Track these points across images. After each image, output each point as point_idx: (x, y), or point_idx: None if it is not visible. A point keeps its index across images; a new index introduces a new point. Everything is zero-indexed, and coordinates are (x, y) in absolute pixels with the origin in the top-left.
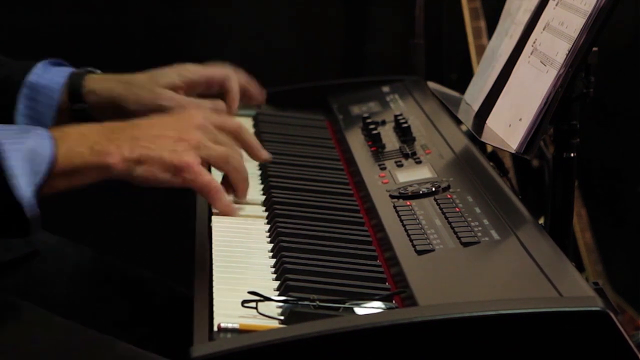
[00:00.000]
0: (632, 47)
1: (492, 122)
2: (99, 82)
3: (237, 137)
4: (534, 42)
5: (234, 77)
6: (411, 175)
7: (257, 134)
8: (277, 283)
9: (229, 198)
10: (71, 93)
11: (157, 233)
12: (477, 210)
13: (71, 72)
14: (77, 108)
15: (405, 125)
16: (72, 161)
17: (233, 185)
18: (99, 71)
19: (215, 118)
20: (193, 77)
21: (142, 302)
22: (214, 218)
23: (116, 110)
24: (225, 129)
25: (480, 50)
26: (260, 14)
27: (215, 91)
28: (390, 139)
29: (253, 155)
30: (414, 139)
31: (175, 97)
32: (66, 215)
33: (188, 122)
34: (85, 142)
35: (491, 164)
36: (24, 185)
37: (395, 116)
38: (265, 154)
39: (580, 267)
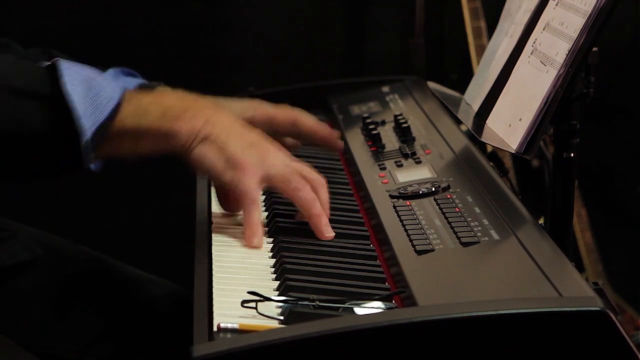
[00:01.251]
0: (632, 47)
1: (492, 122)
2: None
3: (314, 188)
4: (534, 42)
5: (305, 117)
6: (411, 175)
7: None
8: (276, 283)
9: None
10: None
11: (157, 233)
12: (477, 210)
13: (142, 82)
14: None
15: (405, 125)
16: (138, 120)
17: (306, 215)
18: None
19: (296, 164)
20: (254, 116)
21: (142, 302)
22: (214, 218)
23: None
24: (305, 178)
25: (480, 50)
26: (260, 14)
27: (280, 134)
28: (390, 139)
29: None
30: (413, 139)
31: None
32: (66, 215)
33: (269, 142)
34: (160, 104)
35: (491, 164)
36: (83, 108)
37: (395, 116)
38: (327, 231)
39: (580, 267)
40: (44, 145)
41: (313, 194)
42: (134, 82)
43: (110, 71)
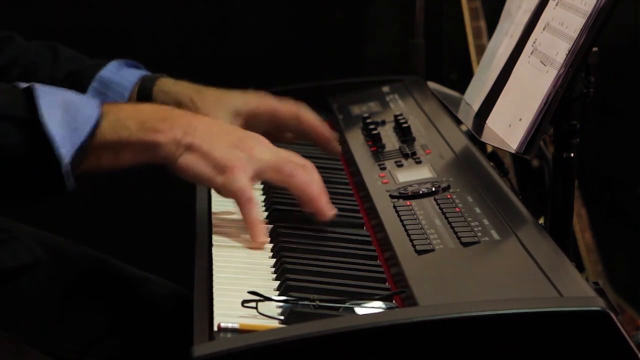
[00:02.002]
0: (632, 47)
1: (492, 122)
2: (171, 85)
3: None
4: (534, 42)
5: (308, 113)
6: (411, 175)
7: None
8: (277, 283)
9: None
10: (141, 93)
11: (157, 233)
12: (477, 210)
13: (145, 74)
14: None
15: (405, 125)
16: (118, 134)
17: (299, 201)
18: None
19: (282, 152)
20: (257, 107)
21: (143, 302)
22: (214, 218)
23: None
24: (295, 164)
25: (480, 50)
26: (260, 13)
27: (281, 128)
28: (390, 139)
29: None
30: (413, 139)
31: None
32: (66, 215)
33: (251, 137)
34: (137, 117)
35: (491, 164)
36: (61, 136)
37: (395, 116)
38: (329, 209)
39: (580, 267)
40: (22, 169)
41: (307, 176)
42: (137, 73)
43: (114, 63)
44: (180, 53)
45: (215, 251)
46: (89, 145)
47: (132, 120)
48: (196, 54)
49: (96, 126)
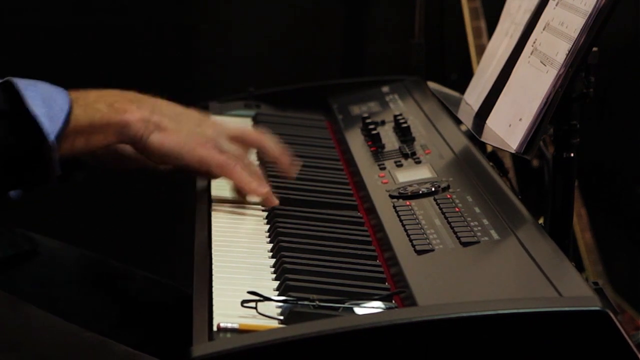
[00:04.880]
0: (632, 47)
1: (492, 122)
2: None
3: (260, 146)
4: (534, 42)
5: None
6: (411, 175)
7: None
8: (276, 283)
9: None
10: None
11: (157, 233)
12: (477, 210)
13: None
14: None
15: (405, 125)
16: (90, 117)
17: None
18: None
19: (238, 129)
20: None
21: (142, 302)
22: (214, 218)
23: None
24: (248, 140)
25: (480, 50)
26: (260, 13)
27: None
28: (390, 139)
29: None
30: (413, 139)
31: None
32: (65, 215)
33: (209, 119)
34: (105, 100)
35: (491, 164)
36: (47, 125)
37: (395, 116)
38: (289, 172)
39: (580, 267)
40: (12, 159)
41: (259, 173)
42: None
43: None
44: (180, 53)
45: (215, 251)
46: (65, 133)
47: (101, 103)
48: (196, 53)
49: (69, 113)
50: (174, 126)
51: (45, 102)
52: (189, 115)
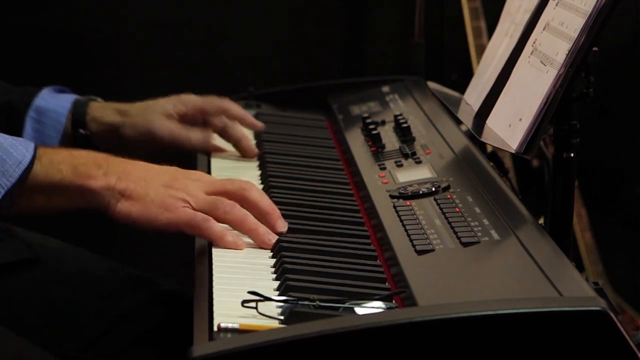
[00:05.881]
0: (632, 47)
1: (492, 122)
2: (100, 110)
3: (241, 198)
4: (534, 42)
5: (233, 106)
6: (411, 175)
7: (257, 134)
8: (277, 283)
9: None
10: (75, 119)
11: (157, 233)
12: (477, 210)
13: (75, 99)
14: (80, 135)
15: (405, 125)
16: (50, 177)
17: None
18: (99, 99)
19: (217, 182)
20: (186, 108)
21: (143, 302)
22: None
23: (115, 138)
24: (228, 193)
25: (480, 50)
26: (260, 13)
27: (210, 122)
28: (390, 139)
29: (264, 220)
30: (413, 139)
31: (165, 125)
32: (65, 216)
33: (185, 175)
34: (71, 161)
35: (491, 164)
36: None
37: (395, 116)
38: (268, 238)
39: (580, 267)
40: None
41: (242, 211)
42: (69, 98)
43: (46, 90)
44: (180, 53)
45: (215, 251)
46: (21, 188)
47: (65, 164)
48: (196, 53)
49: (29, 169)
50: (140, 192)
51: None
52: (161, 175)
